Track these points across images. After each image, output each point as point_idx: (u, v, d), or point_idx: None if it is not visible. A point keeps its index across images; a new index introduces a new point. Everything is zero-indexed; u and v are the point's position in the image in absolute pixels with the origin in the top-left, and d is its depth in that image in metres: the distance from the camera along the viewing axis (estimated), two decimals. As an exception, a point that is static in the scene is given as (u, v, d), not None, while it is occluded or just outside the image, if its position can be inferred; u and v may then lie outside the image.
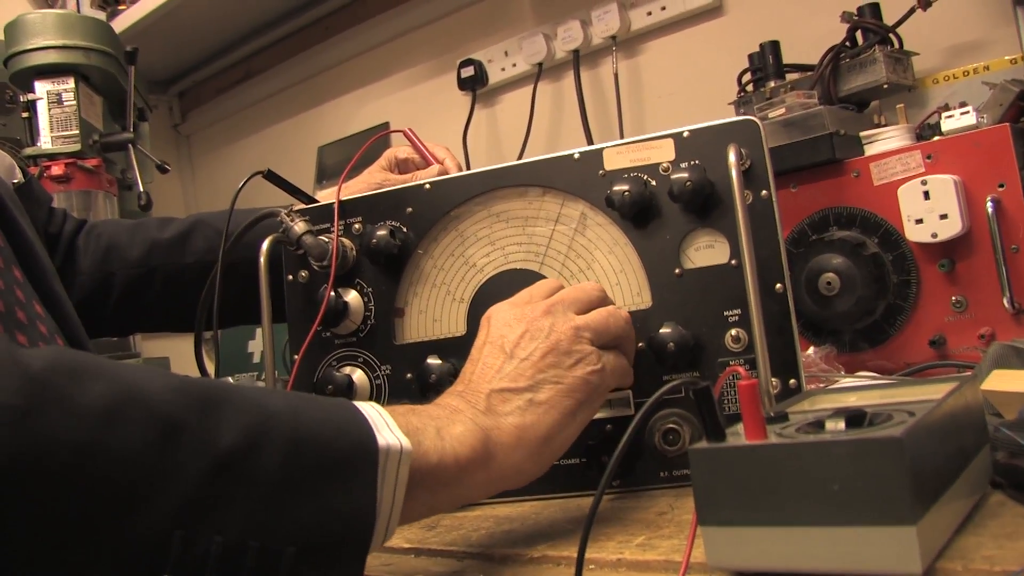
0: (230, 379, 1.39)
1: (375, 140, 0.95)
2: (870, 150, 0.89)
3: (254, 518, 0.40)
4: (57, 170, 1.43)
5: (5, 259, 0.69)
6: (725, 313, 0.63)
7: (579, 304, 0.59)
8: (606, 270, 0.67)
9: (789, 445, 0.40)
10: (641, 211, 0.65)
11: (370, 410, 0.47)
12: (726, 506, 0.41)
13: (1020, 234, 0.79)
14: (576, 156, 0.68)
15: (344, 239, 0.73)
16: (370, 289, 0.73)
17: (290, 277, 0.75)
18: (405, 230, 0.72)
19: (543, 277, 0.68)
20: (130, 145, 1.53)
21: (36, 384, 0.37)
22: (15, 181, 0.88)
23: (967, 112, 0.84)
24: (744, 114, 0.82)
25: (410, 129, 0.98)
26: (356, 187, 0.93)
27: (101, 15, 1.67)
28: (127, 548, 0.37)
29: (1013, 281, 0.79)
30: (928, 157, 0.83)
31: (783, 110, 0.91)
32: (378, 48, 1.83)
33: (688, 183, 0.63)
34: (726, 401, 0.63)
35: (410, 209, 0.72)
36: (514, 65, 1.58)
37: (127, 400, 0.39)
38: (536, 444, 0.52)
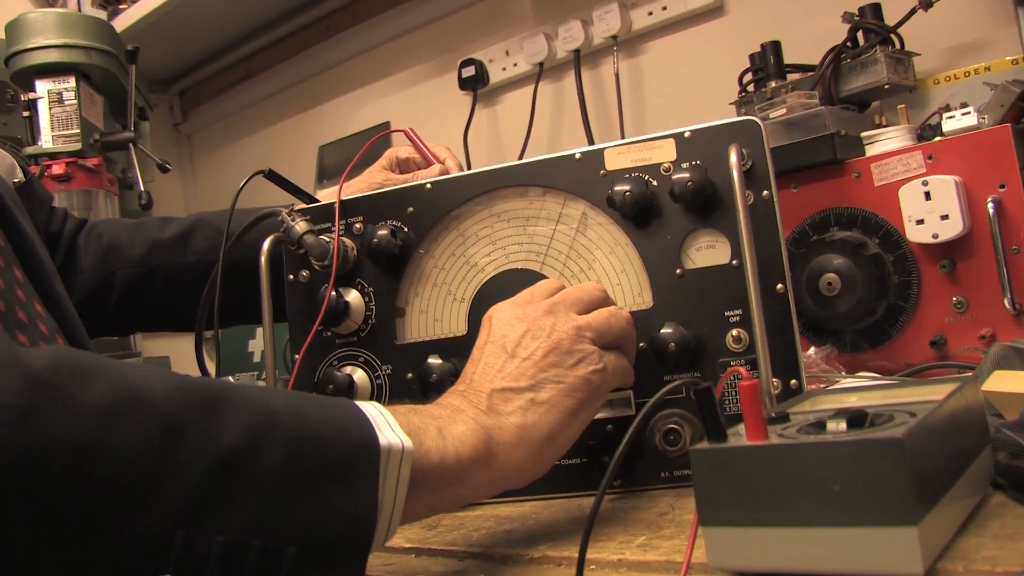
0: (230, 378, 1.39)
1: (376, 140, 0.95)
2: (871, 150, 0.89)
3: (255, 518, 0.40)
4: (58, 169, 1.43)
5: (5, 258, 0.69)
6: (726, 313, 0.63)
7: (581, 304, 0.59)
8: (607, 270, 0.67)
9: (790, 446, 0.40)
10: (642, 211, 0.65)
11: (371, 409, 0.47)
12: (727, 506, 0.41)
13: (1021, 235, 0.79)
14: (577, 156, 0.68)
15: (345, 239, 0.73)
16: (371, 289, 0.73)
17: (291, 277, 0.75)
18: (406, 230, 0.72)
19: (544, 277, 0.68)
20: (131, 144, 1.53)
21: (37, 383, 0.37)
22: (16, 180, 0.88)
23: (968, 113, 0.84)
24: (745, 114, 0.82)
25: (411, 129, 0.98)
26: (357, 187, 0.93)
27: (102, 14, 1.68)
28: (128, 548, 0.37)
29: (1014, 282, 0.79)
30: (929, 158, 0.83)
31: (784, 110, 0.91)
32: (379, 48, 1.83)
33: (689, 183, 0.63)
34: (727, 401, 0.63)
35: (411, 209, 0.72)
36: (515, 65, 1.58)
37: (128, 399, 0.39)
38: (538, 444, 0.52)
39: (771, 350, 0.60)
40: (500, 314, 0.59)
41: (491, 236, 0.70)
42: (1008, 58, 1.06)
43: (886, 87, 1.00)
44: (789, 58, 1.10)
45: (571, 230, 0.68)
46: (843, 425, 0.42)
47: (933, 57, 1.10)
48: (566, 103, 1.53)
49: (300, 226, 0.73)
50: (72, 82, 1.46)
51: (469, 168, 1.11)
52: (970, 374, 0.68)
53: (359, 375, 0.72)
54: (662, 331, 0.64)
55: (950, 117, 0.85)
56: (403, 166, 0.98)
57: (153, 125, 1.81)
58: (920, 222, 0.82)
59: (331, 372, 0.72)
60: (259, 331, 1.63)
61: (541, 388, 0.54)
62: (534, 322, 0.57)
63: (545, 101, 1.55)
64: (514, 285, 0.67)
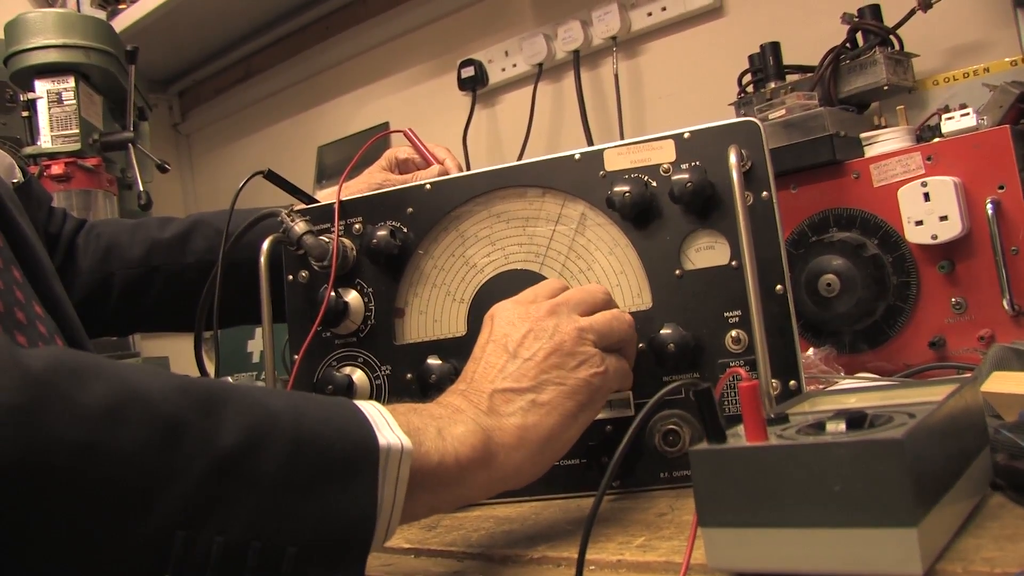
0: (229, 379, 1.39)
1: (375, 140, 0.95)
2: (870, 151, 0.90)
3: (255, 518, 0.40)
4: (57, 169, 1.43)
5: (4, 259, 0.69)
6: (725, 314, 0.63)
7: (584, 306, 0.59)
8: (606, 271, 0.67)
9: (790, 447, 0.40)
10: (642, 212, 0.65)
11: (371, 409, 0.47)
12: (727, 507, 0.41)
13: (1020, 236, 0.80)
14: (577, 157, 0.68)
15: (344, 239, 0.73)
16: (370, 289, 0.73)
17: (290, 277, 0.75)
18: (405, 230, 0.72)
19: (543, 278, 0.68)
20: (130, 144, 1.53)
21: (37, 385, 0.37)
22: (15, 181, 0.88)
23: (967, 114, 0.84)
24: (744, 115, 0.83)
25: (410, 129, 0.98)
26: (356, 187, 0.93)
27: (101, 14, 1.67)
28: (128, 548, 0.37)
29: (1013, 283, 0.79)
30: (928, 159, 0.83)
31: (783, 111, 0.92)
32: (378, 48, 1.83)
33: (689, 184, 0.63)
34: (726, 402, 0.63)
35: (410, 209, 0.72)
36: (514, 65, 1.58)
37: (128, 400, 0.39)
38: (537, 445, 0.52)
39: (770, 351, 0.60)
40: (503, 313, 0.59)
41: (490, 237, 0.70)
42: (1007, 59, 1.06)
43: (885, 88, 1.00)
44: (788, 59, 1.10)
45: (570, 231, 0.68)
46: (842, 426, 0.42)
47: (932, 58, 1.10)
48: (565, 104, 1.54)
49: (299, 226, 0.73)
50: (71, 82, 1.46)
51: (468, 169, 1.11)
52: (969, 375, 0.68)
53: (358, 376, 0.72)
54: (661, 332, 0.64)
55: (949, 118, 0.85)
56: (402, 167, 0.98)
57: (152, 125, 1.81)
58: (919, 223, 0.82)
59: (330, 372, 0.72)
60: (258, 331, 1.63)
61: (542, 389, 0.54)
62: (537, 322, 0.56)
63: (544, 102, 1.55)
64: (513, 286, 0.67)
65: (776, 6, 1.29)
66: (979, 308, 0.82)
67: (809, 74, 1.05)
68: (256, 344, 1.65)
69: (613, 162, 0.67)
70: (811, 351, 0.85)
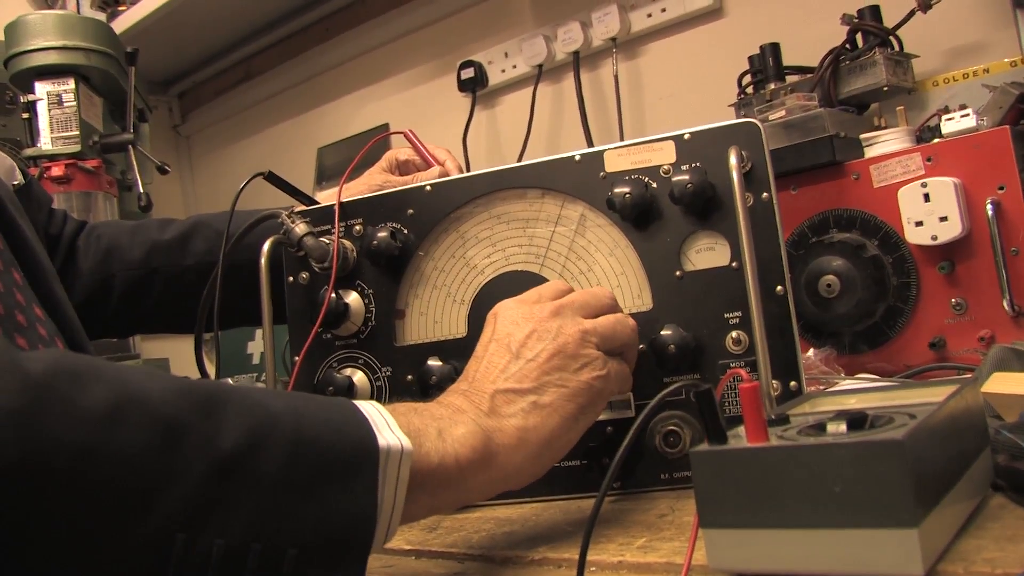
0: (230, 380, 1.39)
1: (375, 142, 0.95)
2: (870, 152, 0.90)
3: (256, 520, 0.40)
4: (57, 171, 1.43)
5: (5, 262, 0.69)
6: (726, 315, 0.63)
7: (588, 308, 0.59)
8: (607, 272, 0.67)
9: (791, 447, 0.40)
10: (642, 213, 0.65)
11: (371, 410, 0.47)
12: (728, 508, 0.41)
13: (1020, 236, 0.80)
14: (577, 158, 0.68)
15: (345, 241, 0.73)
16: (371, 291, 0.73)
17: (291, 278, 0.75)
18: (406, 232, 0.72)
19: (544, 279, 0.68)
20: (130, 146, 1.53)
21: (37, 388, 0.37)
22: (15, 183, 0.88)
23: (967, 114, 0.84)
24: (744, 116, 0.83)
25: (411, 130, 0.98)
26: (357, 189, 0.93)
27: (101, 16, 1.68)
28: (129, 551, 0.37)
29: (1013, 283, 0.79)
30: (928, 159, 0.83)
31: (783, 112, 0.92)
32: (378, 49, 1.83)
33: (689, 185, 0.63)
34: (727, 403, 0.63)
35: (411, 211, 0.72)
36: (514, 67, 1.58)
37: (128, 402, 0.39)
38: (537, 447, 0.52)
39: (771, 352, 0.60)
40: (506, 312, 0.58)
41: (491, 238, 0.70)
42: (1007, 60, 1.06)
43: (885, 89, 1.00)
44: (788, 60, 1.10)
45: (570, 231, 0.68)
46: (843, 427, 0.42)
47: (932, 59, 1.10)
48: (565, 105, 1.54)
49: (300, 228, 0.73)
50: (71, 84, 1.46)
51: (468, 170, 1.11)
52: (969, 376, 0.68)
53: (359, 377, 0.72)
54: (662, 333, 0.64)
55: (949, 119, 0.85)
56: (403, 168, 0.98)
57: (152, 127, 1.81)
58: (919, 224, 0.82)
59: (331, 374, 0.72)
60: (258, 333, 1.63)
61: (544, 391, 0.54)
62: (540, 323, 0.56)
63: (544, 103, 1.55)
64: (514, 287, 0.67)
65: (776, 7, 1.29)
66: (979, 309, 0.82)
67: (809, 75, 1.06)
68: (256, 346, 1.65)
69: (613, 163, 0.67)
70: (811, 352, 0.85)
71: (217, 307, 0.78)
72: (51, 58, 1.45)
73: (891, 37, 1.02)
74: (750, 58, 1.13)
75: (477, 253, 0.70)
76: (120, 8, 1.85)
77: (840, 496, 0.38)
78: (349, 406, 0.46)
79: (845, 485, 0.38)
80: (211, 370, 0.99)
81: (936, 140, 0.86)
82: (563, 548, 0.53)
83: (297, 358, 0.72)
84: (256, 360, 1.65)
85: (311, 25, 1.94)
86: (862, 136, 0.91)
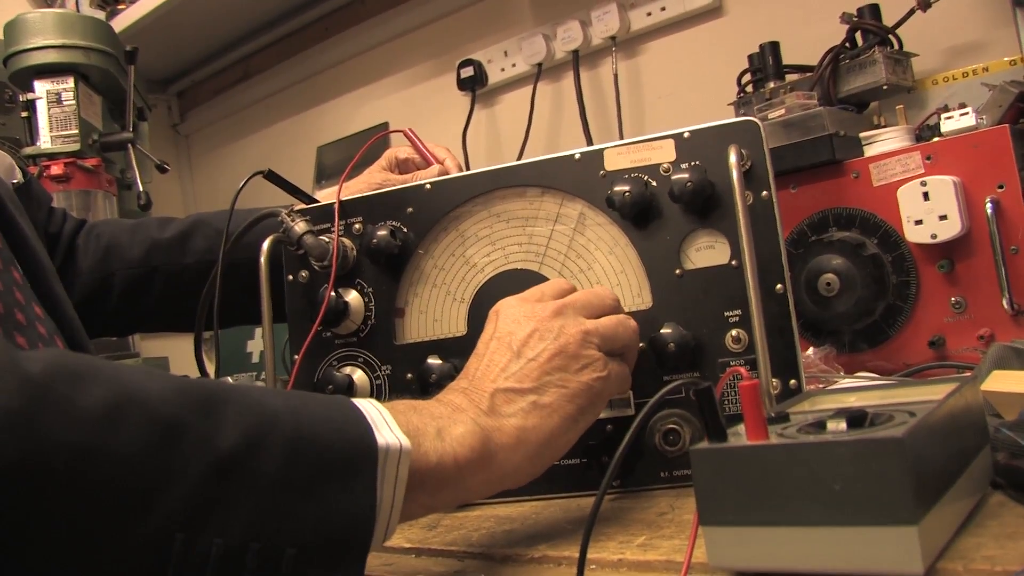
0: (229, 379, 1.39)
1: (375, 140, 0.95)
2: (870, 151, 0.90)
3: (255, 519, 0.40)
4: (56, 170, 1.43)
5: (4, 260, 0.68)
6: (725, 314, 0.63)
7: (590, 308, 0.59)
8: (606, 270, 0.67)
9: (791, 445, 0.40)
10: (641, 211, 0.65)
11: (370, 408, 0.47)
12: (728, 506, 0.41)
13: (1019, 235, 0.80)
14: (577, 157, 0.68)
15: (344, 239, 0.73)
16: (370, 289, 0.73)
17: (290, 277, 0.75)
18: (405, 230, 0.72)
19: (544, 277, 0.68)
20: (129, 145, 1.53)
21: (36, 388, 0.37)
22: (15, 181, 0.88)
23: (966, 113, 0.84)
24: (744, 115, 0.82)
25: (410, 129, 0.98)
26: (356, 187, 0.93)
27: (100, 14, 1.67)
28: (127, 551, 0.37)
29: (1012, 282, 0.79)
30: (927, 158, 0.83)
31: (783, 111, 0.92)
32: (377, 48, 1.83)
33: (689, 184, 0.63)
34: (727, 402, 0.63)
35: (410, 209, 0.72)
36: (514, 65, 1.58)
37: (127, 402, 0.39)
38: (536, 447, 0.52)
39: (770, 350, 0.60)
40: (508, 309, 0.58)
41: (490, 236, 0.70)
42: (1006, 59, 1.06)
43: (884, 88, 1.00)
44: (788, 59, 1.10)
45: (569, 230, 0.68)
46: (843, 425, 0.42)
47: (931, 58, 1.10)
48: (565, 104, 1.54)
49: (300, 226, 0.73)
50: (71, 82, 1.46)
51: (468, 169, 1.11)
52: (969, 374, 0.69)
53: (358, 375, 0.72)
54: (661, 331, 0.64)
55: (948, 118, 0.85)
56: (402, 166, 0.98)
57: (152, 125, 1.81)
58: (919, 222, 0.83)
59: (331, 372, 0.72)
60: (258, 332, 1.63)
61: (544, 391, 0.53)
62: (542, 322, 0.56)
63: (544, 102, 1.55)
64: (513, 285, 0.67)
65: (775, 6, 1.29)
66: (978, 307, 0.82)
67: (808, 74, 1.06)
68: (256, 344, 1.65)
69: (613, 162, 0.67)
70: (811, 350, 0.85)
71: (217, 306, 0.78)
72: (50, 57, 1.45)
73: (891, 36, 1.02)
74: (750, 57, 1.13)
75: (477, 251, 0.70)
76: (119, 7, 1.85)
77: (840, 494, 0.38)
78: (348, 405, 0.46)
79: (845, 483, 0.38)
80: (211, 369, 0.99)
81: (935, 139, 0.86)
82: (563, 546, 0.53)
83: (297, 356, 0.72)
84: (256, 359, 1.65)
85: (310, 24, 1.94)
86: (862, 135, 0.91)
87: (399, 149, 0.98)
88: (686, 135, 0.65)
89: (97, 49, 1.48)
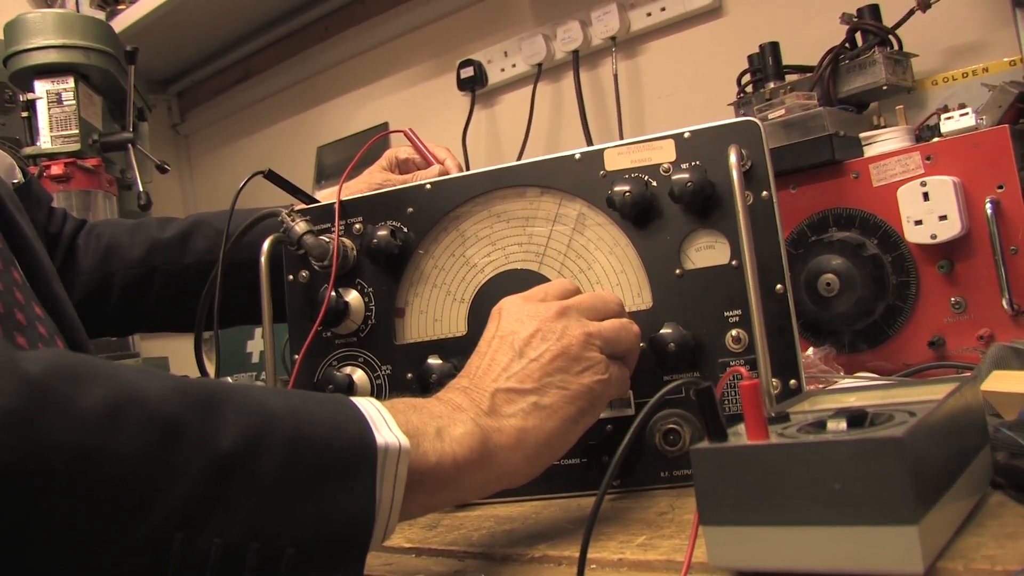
0: (229, 379, 1.39)
1: (375, 140, 0.95)
2: (869, 151, 0.90)
3: (254, 519, 0.40)
4: (56, 170, 1.43)
5: (4, 260, 0.68)
6: (725, 314, 0.63)
7: (593, 311, 0.59)
8: (606, 270, 0.67)
9: (791, 445, 0.40)
10: (642, 211, 0.65)
11: (370, 407, 0.47)
12: (728, 506, 0.41)
13: (1019, 235, 0.80)
14: (577, 157, 0.68)
15: (345, 239, 0.73)
16: (371, 289, 0.73)
17: (291, 277, 0.75)
18: (406, 230, 0.72)
19: (543, 277, 0.68)
20: (129, 145, 1.53)
21: (35, 388, 0.37)
22: (15, 181, 0.88)
23: (966, 114, 0.84)
24: (744, 115, 0.83)
25: (410, 129, 0.98)
26: (356, 187, 0.93)
27: (101, 15, 1.68)
28: (128, 550, 0.37)
29: (1012, 282, 0.79)
30: (927, 158, 0.84)
31: (783, 111, 0.92)
32: (377, 48, 1.83)
33: (689, 184, 0.63)
34: (727, 402, 0.63)
35: (411, 209, 0.72)
36: (513, 66, 1.58)
37: (126, 403, 0.39)
38: (535, 448, 0.52)
39: (770, 350, 0.60)
40: (511, 308, 0.58)
41: (490, 236, 0.70)
42: (1006, 59, 1.06)
43: (884, 88, 1.00)
44: (787, 59, 1.10)
45: (568, 230, 0.68)
46: (843, 424, 0.42)
47: (931, 58, 1.11)
48: (565, 104, 1.54)
49: (300, 226, 0.73)
50: (71, 82, 1.46)
51: (468, 169, 1.11)
52: (969, 374, 0.69)
53: (359, 375, 0.72)
54: (662, 331, 0.64)
55: (948, 118, 0.85)
56: (402, 166, 0.98)
57: (152, 126, 1.81)
58: (918, 223, 0.83)
59: (331, 372, 0.72)
60: (258, 331, 1.63)
61: (545, 392, 0.53)
62: (545, 323, 0.56)
63: (544, 102, 1.55)
64: (513, 285, 0.67)
65: (775, 6, 1.29)
66: (978, 307, 0.82)
67: (808, 74, 1.06)
68: (256, 344, 1.65)
69: (613, 162, 0.67)
70: (811, 350, 0.85)
71: (217, 305, 0.78)
72: (51, 57, 1.45)
73: (890, 36, 1.02)
74: (749, 57, 1.13)
75: (477, 251, 0.70)
76: (119, 7, 1.85)
77: (840, 493, 0.38)
78: (348, 404, 0.46)
79: (845, 482, 0.38)
80: (211, 369, 0.99)
81: (935, 139, 0.86)
82: (563, 546, 0.53)
83: (297, 356, 0.72)
84: (256, 359, 1.65)
85: (310, 24, 1.94)
86: (861, 135, 0.91)
87: (399, 149, 0.98)
88: (686, 135, 0.65)
89: (97, 49, 1.49)
